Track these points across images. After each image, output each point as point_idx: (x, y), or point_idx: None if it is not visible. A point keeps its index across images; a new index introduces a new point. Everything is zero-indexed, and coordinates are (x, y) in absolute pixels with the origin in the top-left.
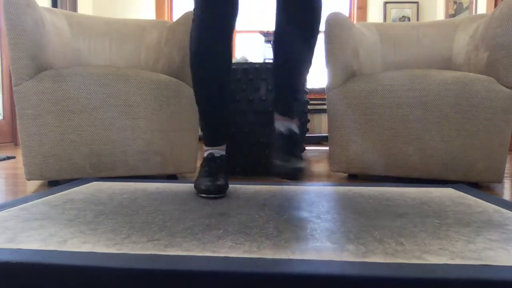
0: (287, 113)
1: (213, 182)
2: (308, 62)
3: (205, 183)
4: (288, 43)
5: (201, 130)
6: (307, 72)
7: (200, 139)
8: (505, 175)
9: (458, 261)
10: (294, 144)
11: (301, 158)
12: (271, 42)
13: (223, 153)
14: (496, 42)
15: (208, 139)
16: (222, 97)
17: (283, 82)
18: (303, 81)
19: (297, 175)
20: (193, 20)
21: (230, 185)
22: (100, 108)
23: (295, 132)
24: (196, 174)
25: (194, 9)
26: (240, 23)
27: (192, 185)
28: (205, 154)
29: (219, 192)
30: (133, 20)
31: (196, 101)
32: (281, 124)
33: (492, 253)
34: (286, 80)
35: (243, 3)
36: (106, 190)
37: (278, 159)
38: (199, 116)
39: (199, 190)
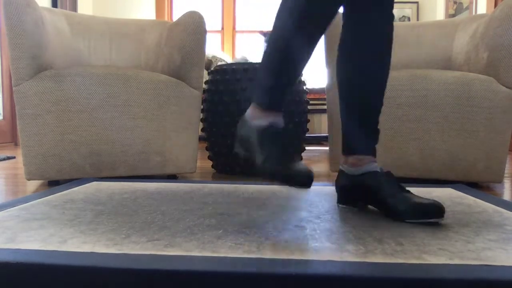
0: (372, 151)
1: (302, 168)
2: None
3: (295, 168)
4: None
5: (260, 88)
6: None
7: (201, 138)
8: (505, 175)
9: (457, 261)
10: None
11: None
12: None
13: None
14: (496, 42)
15: (273, 99)
16: (309, 54)
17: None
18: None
19: (440, 211)
20: None
21: (230, 185)
22: (100, 108)
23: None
24: (196, 174)
25: None
26: (240, 23)
27: (192, 185)
28: (264, 124)
29: (310, 183)
30: (133, 20)
31: (275, 46)
32: (372, 166)
33: (491, 253)
34: (368, 103)
35: (243, 3)
36: (106, 190)
37: (400, 201)
38: (270, 65)
39: (288, 180)
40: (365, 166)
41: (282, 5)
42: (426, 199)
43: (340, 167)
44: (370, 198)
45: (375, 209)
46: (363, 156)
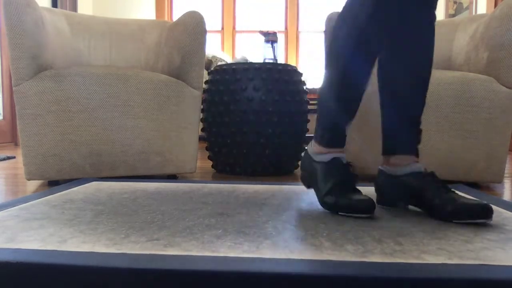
0: (416, 151)
1: (364, 197)
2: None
3: (356, 197)
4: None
5: (323, 126)
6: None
7: (201, 138)
8: (505, 175)
9: (456, 261)
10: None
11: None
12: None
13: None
14: (496, 42)
15: (335, 137)
16: (364, 88)
17: (410, 102)
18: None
19: (488, 212)
20: None
21: (229, 185)
22: (100, 108)
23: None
24: (196, 174)
25: None
26: (240, 23)
27: (192, 184)
28: (329, 159)
29: (373, 210)
30: (133, 20)
31: (334, 87)
32: (415, 167)
33: (490, 252)
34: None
35: (243, 3)
36: (105, 190)
37: (445, 202)
38: (329, 106)
39: (354, 209)
40: (409, 166)
41: (338, 29)
42: (473, 199)
43: (380, 167)
44: (414, 199)
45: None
46: (406, 156)
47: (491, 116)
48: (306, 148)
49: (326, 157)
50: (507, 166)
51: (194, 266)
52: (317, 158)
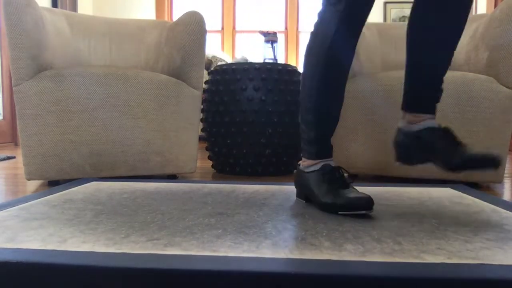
0: (433, 109)
1: (361, 194)
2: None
3: (353, 195)
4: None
5: (308, 141)
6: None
7: (201, 138)
8: (505, 175)
9: (455, 261)
10: (454, 135)
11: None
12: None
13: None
14: (496, 42)
15: (323, 149)
16: (342, 97)
17: (433, 63)
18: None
19: (495, 160)
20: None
21: (229, 185)
22: (100, 108)
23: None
24: (196, 174)
25: None
26: (240, 23)
27: (191, 184)
28: (319, 167)
29: (371, 205)
30: (133, 20)
31: (311, 104)
32: (429, 123)
33: (489, 252)
34: (436, 61)
35: (243, 3)
36: (105, 190)
37: (454, 154)
38: (312, 122)
39: (352, 206)
40: (423, 122)
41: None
42: (482, 151)
43: (399, 125)
44: (426, 153)
45: (374, 209)
46: (421, 114)
47: (491, 116)
48: (297, 167)
49: (316, 167)
50: (507, 166)
51: (194, 266)
52: (308, 169)
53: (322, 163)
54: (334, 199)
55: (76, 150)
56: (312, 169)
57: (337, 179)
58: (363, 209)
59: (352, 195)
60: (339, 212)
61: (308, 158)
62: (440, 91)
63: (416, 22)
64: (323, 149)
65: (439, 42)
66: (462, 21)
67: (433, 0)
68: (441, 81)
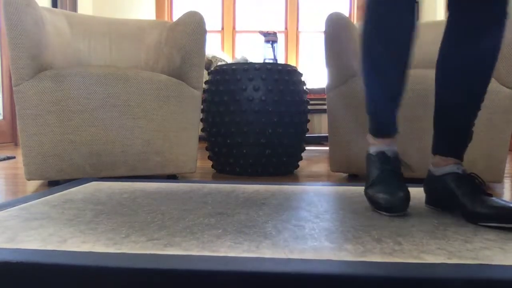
0: (459, 153)
1: (393, 195)
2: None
3: (382, 195)
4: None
5: (372, 114)
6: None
7: (201, 138)
8: (505, 175)
9: (455, 261)
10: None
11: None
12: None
13: (396, 149)
14: None
15: (383, 125)
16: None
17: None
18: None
19: None
20: None
21: (229, 185)
22: (100, 108)
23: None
24: (196, 174)
25: None
26: (240, 23)
27: (191, 184)
28: (372, 151)
29: (402, 209)
30: (133, 20)
31: (376, 69)
32: (453, 167)
33: (489, 252)
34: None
35: (243, 3)
36: (105, 190)
37: (475, 202)
38: (374, 95)
39: (375, 205)
40: (448, 167)
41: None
42: (505, 201)
43: (429, 167)
44: (449, 199)
45: (376, 211)
46: (447, 157)
47: (491, 116)
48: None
49: (373, 149)
50: (507, 166)
51: (194, 266)
52: (369, 149)
53: (379, 149)
54: (371, 194)
55: (76, 150)
56: (370, 150)
57: (384, 174)
58: (385, 211)
59: (384, 195)
60: (375, 208)
61: (370, 133)
62: (468, 136)
63: (444, 63)
64: (382, 125)
65: (467, 84)
66: (491, 63)
67: (464, 37)
68: (471, 125)
